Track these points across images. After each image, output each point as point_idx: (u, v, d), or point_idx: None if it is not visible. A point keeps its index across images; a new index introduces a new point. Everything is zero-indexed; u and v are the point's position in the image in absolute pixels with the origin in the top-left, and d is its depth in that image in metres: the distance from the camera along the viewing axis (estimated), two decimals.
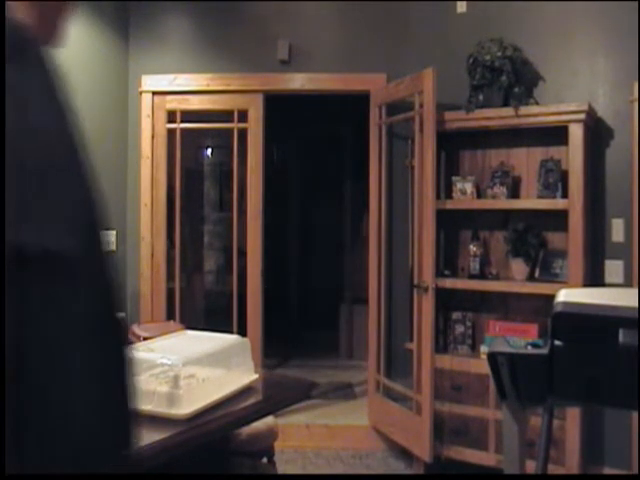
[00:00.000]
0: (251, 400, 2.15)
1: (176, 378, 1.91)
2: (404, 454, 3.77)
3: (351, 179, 6.24)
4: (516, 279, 3.56)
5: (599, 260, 3.49)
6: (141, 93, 4.26)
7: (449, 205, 3.69)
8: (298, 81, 4.24)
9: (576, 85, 3.58)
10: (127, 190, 4.30)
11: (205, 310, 6.01)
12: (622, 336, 1.56)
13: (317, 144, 6.54)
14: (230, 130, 4.35)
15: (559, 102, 3.46)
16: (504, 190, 3.61)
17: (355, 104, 4.42)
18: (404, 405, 3.80)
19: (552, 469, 3.17)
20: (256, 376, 2.25)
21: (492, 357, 1.81)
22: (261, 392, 2.28)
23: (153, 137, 4.26)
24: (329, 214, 6.65)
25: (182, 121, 4.29)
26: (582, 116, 3.26)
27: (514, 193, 3.65)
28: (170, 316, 4.25)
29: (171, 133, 4.29)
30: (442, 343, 3.76)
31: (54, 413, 0.61)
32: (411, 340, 3.75)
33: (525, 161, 3.69)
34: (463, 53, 3.69)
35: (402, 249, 4.09)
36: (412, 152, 3.88)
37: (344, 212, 6.41)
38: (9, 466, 0.57)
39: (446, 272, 3.73)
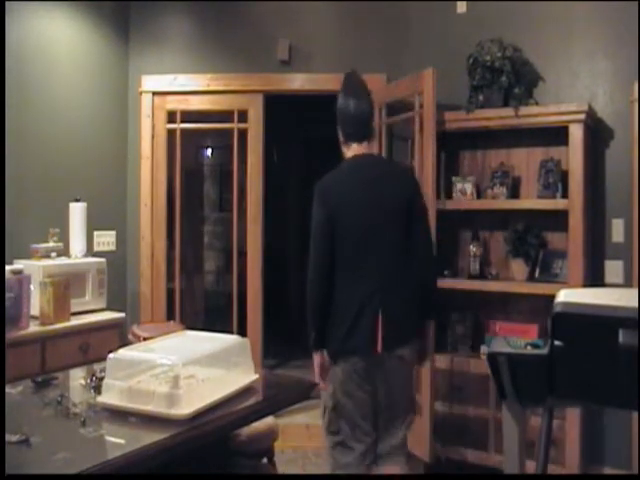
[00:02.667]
0: (251, 400, 2.15)
1: (176, 378, 1.91)
2: None
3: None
4: (516, 279, 3.56)
5: (599, 260, 3.49)
6: (141, 93, 4.26)
7: (449, 205, 3.69)
8: (298, 81, 4.24)
9: (576, 85, 3.58)
10: (127, 190, 4.30)
11: (205, 310, 6.00)
12: (622, 336, 1.56)
13: (317, 144, 6.53)
14: (230, 130, 4.34)
15: (559, 102, 3.46)
16: (504, 190, 3.61)
17: None
18: None
19: (552, 469, 3.17)
20: (256, 376, 2.25)
21: (492, 357, 1.81)
22: (261, 392, 2.28)
23: (153, 137, 4.26)
24: None
25: (182, 121, 4.29)
26: (582, 116, 3.26)
27: (514, 193, 3.65)
28: (170, 316, 4.25)
29: (171, 133, 4.29)
30: (442, 343, 3.76)
31: None
32: None
33: (525, 161, 3.69)
34: (463, 53, 3.69)
35: None
36: (412, 152, 3.88)
37: None
38: None
39: (446, 272, 3.73)
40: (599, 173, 3.52)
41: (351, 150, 2.61)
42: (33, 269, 3.27)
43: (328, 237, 2.47)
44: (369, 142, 2.60)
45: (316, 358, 2.55)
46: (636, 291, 1.62)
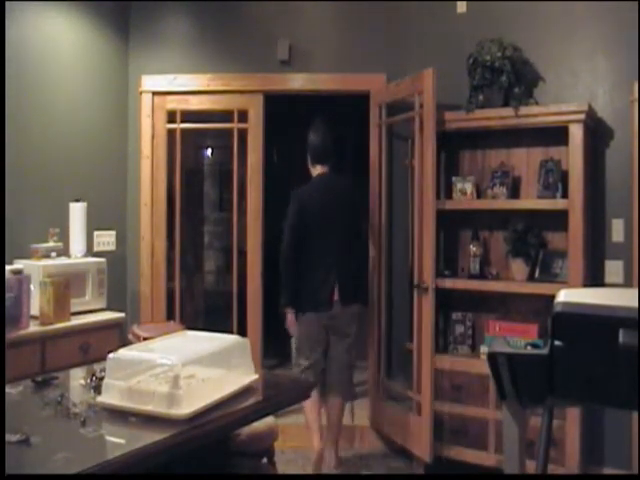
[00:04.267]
0: (251, 400, 2.15)
1: (176, 378, 1.91)
2: (404, 454, 3.77)
3: (351, 179, 6.23)
4: (516, 279, 3.56)
5: (599, 260, 3.49)
6: (141, 93, 4.26)
7: (449, 205, 3.69)
8: (298, 81, 4.24)
9: (576, 85, 3.58)
10: (127, 190, 4.30)
11: (205, 310, 6.00)
12: (622, 336, 1.56)
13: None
14: (230, 130, 4.34)
15: (559, 102, 3.46)
16: (504, 190, 3.61)
17: (355, 104, 4.42)
18: (404, 405, 3.80)
19: (552, 469, 3.17)
20: (256, 376, 2.25)
21: (492, 357, 1.81)
22: (261, 392, 2.28)
23: (153, 137, 4.26)
24: None
25: (182, 121, 4.29)
26: (582, 116, 3.26)
27: (514, 193, 3.65)
28: (170, 316, 4.24)
29: (171, 133, 4.29)
30: (442, 343, 3.76)
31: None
32: (411, 340, 3.75)
33: (525, 161, 3.69)
34: (463, 53, 3.69)
35: (402, 249, 4.09)
36: (412, 152, 3.88)
37: None
38: None
39: (446, 272, 3.73)
40: (599, 173, 3.52)
41: (316, 169, 3.77)
42: (33, 269, 3.27)
43: (296, 230, 3.59)
44: (328, 164, 3.74)
45: (290, 314, 3.64)
46: (636, 291, 1.62)
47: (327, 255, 3.57)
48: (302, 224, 3.58)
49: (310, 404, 3.58)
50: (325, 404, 3.70)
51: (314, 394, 3.59)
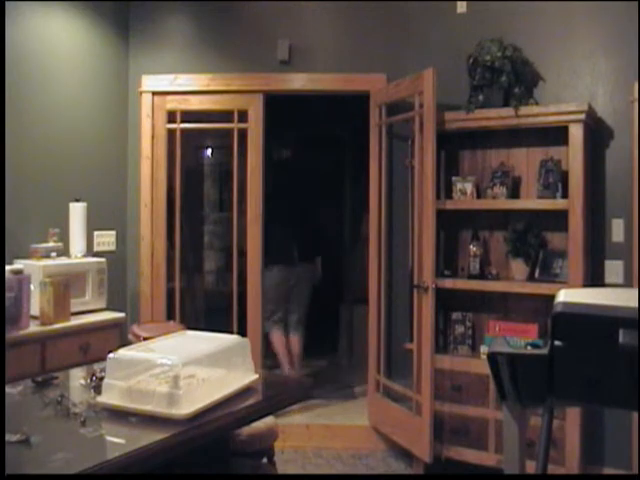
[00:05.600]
0: (251, 400, 2.15)
1: (176, 378, 1.91)
2: (404, 454, 3.77)
3: (351, 179, 6.24)
4: (516, 279, 3.56)
5: (599, 260, 3.49)
6: (141, 93, 4.26)
7: (449, 205, 3.69)
8: (298, 81, 4.24)
9: (576, 85, 3.58)
10: (127, 190, 4.30)
11: (205, 310, 5.99)
12: (622, 336, 1.56)
13: (317, 144, 6.52)
14: (230, 130, 4.34)
15: (559, 102, 3.46)
16: (504, 190, 3.61)
17: (355, 104, 4.42)
18: (404, 405, 3.80)
19: (552, 469, 3.17)
20: (256, 376, 2.25)
21: (492, 357, 1.81)
22: (261, 392, 2.28)
23: (153, 137, 4.25)
24: (329, 214, 6.63)
25: (182, 121, 4.29)
26: (582, 116, 3.26)
27: (514, 193, 3.66)
28: (170, 316, 4.24)
29: (171, 133, 4.29)
30: (442, 343, 3.76)
31: None
32: (411, 340, 3.75)
33: (525, 161, 3.69)
34: (463, 53, 3.70)
35: (402, 249, 4.09)
36: (412, 152, 3.88)
37: (344, 212, 6.40)
38: None
39: (446, 272, 3.73)
40: (599, 173, 3.52)
41: (280, 155, 5.08)
42: (33, 269, 3.27)
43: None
44: (287, 150, 5.03)
45: None
46: (636, 291, 1.62)
47: (288, 222, 4.74)
48: (267, 200, 4.34)
49: (277, 338, 4.76)
50: (288, 340, 4.83)
51: (280, 330, 4.80)
